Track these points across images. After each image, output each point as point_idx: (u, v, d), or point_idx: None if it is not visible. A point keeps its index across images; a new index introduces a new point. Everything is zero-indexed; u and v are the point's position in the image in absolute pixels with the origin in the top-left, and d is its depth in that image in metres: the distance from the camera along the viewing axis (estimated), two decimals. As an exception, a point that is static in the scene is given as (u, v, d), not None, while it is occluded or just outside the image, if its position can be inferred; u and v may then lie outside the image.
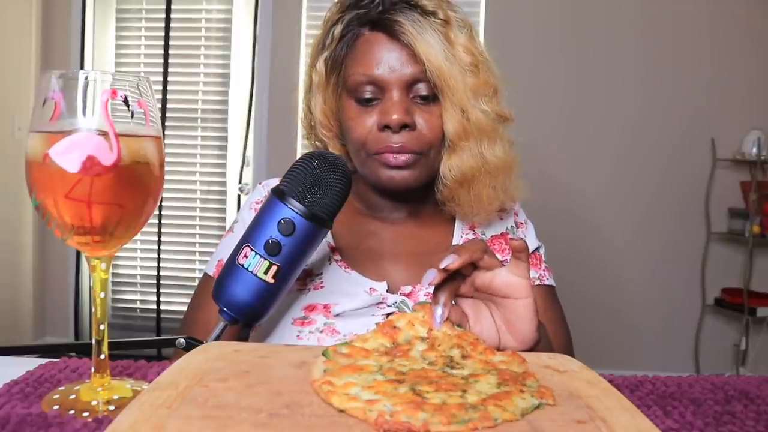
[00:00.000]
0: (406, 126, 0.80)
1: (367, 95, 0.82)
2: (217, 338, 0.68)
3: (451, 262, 0.58)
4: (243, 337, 0.70)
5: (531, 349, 0.63)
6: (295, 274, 0.69)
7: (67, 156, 0.45)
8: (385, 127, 0.80)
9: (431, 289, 0.60)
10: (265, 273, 0.66)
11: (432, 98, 0.81)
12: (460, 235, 0.93)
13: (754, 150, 2.96)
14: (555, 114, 3.10)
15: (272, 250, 0.65)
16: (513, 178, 0.88)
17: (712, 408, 0.53)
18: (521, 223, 0.99)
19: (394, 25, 0.80)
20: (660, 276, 3.17)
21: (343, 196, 0.70)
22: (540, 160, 2.99)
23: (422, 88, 0.81)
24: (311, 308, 0.83)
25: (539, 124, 2.99)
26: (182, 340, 0.69)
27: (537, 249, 0.96)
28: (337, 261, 0.87)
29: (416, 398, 0.42)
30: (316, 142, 0.94)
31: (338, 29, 0.85)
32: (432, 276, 0.58)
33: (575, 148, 3.13)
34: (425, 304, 0.59)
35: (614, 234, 3.14)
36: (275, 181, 0.93)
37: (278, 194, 0.67)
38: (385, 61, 0.80)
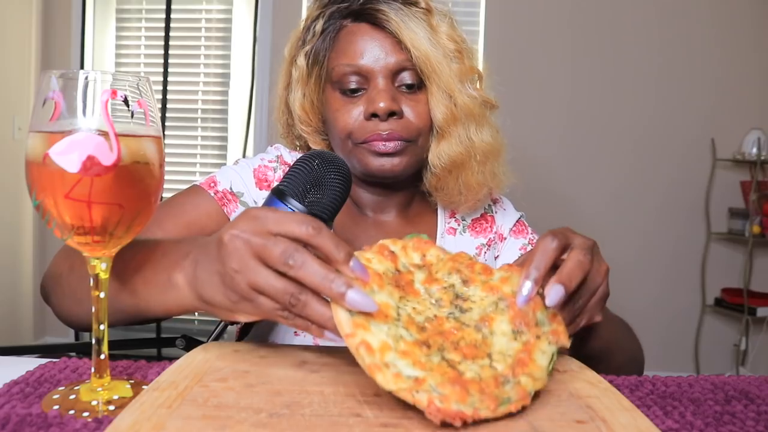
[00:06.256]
0: (393, 114, 0.81)
1: (352, 85, 0.82)
2: (217, 338, 0.68)
3: (529, 291, 0.50)
4: (241, 337, 0.70)
5: None
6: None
7: (67, 156, 0.45)
8: (372, 116, 0.81)
9: None
10: (265, 273, 0.66)
11: (417, 86, 0.82)
12: (444, 224, 0.94)
13: (754, 150, 2.96)
14: (555, 114, 3.10)
15: (272, 250, 0.65)
16: (501, 164, 0.88)
17: (712, 408, 0.53)
18: (497, 200, 1.00)
19: (377, 14, 0.80)
20: (660, 276, 3.17)
21: (344, 196, 0.70)
22: (540, 159, 2.99)
23: (407, 77, 0.81)
24: None
25: (539, 124, 2.99)
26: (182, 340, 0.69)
27: (520, 218, 0.98)
28: None
29: (454, 373, 0.43)
30: (295, 140, 0.95)
31: (319, 24, 0.86)
32: (528, 291, 0.49)
33: (575, 147, 3.12)
34: (415, 236, 0.56)
35: (614, 234, 3.14)
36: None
37: (278, 194, 0.67)
38: (370, 50, 0.81)
